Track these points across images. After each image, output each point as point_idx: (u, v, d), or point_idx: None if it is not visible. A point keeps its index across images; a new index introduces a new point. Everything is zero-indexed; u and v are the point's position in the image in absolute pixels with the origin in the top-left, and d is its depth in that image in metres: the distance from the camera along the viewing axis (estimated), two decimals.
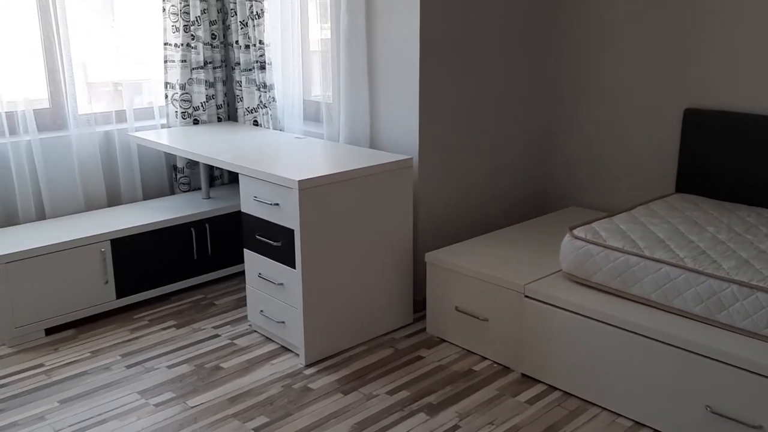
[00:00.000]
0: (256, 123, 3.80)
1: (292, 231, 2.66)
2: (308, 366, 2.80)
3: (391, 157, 2.95)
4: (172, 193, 3.97)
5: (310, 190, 2.62)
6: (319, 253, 2.72)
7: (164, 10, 3.69)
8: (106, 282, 3.23)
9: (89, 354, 2.94)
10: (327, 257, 2.75)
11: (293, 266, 2.71)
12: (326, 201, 2.69)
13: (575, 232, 2.63)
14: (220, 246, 3.61)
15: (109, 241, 3.21)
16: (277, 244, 2.76)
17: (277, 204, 2.70)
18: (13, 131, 3.34)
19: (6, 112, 3.30)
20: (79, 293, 3.15)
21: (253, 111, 3.80)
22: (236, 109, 3.99)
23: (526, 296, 2.63)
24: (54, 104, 3.52)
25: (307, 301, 2.73)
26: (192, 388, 2.65)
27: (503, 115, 3.47)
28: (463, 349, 2.93)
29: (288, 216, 2.67)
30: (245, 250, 2.96)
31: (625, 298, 2.48)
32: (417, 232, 3.22)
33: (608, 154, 3.48)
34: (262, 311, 2.96)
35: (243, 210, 2.91)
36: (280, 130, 3.68)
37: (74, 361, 2.87)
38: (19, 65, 3.25)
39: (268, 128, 3.69)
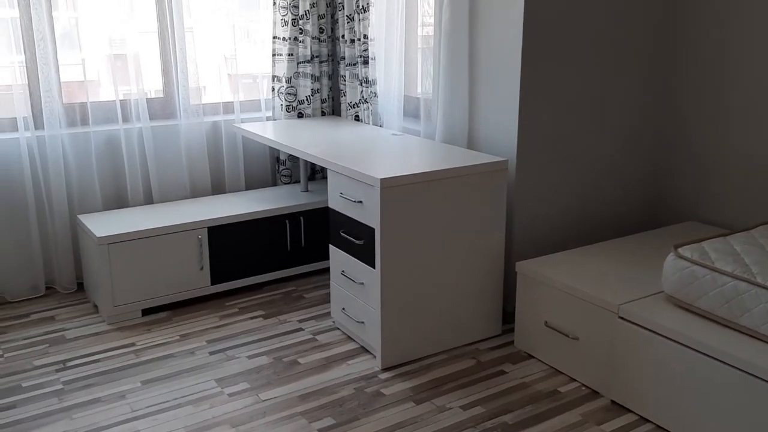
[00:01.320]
0: (357, 118, 3.76)
1: (373, 230, 2.59)
2: (384, 370, 2.72)
3: (484, 158, 2.80)
4: (275, 184, 4.02)
5: (393, 188, 2.54)
6: (400, 254, 2.63)
7: (274, 3, 3.73)
8: (202, 268, 3.31)
9: (178, 337, 3.02)
10: (409, 259, 2.66)
11: (373, 266, 2.64)
12: (410, 201, 2.60)
13: (680, 250, 2.38)
14: (313, 239, 3.61)
15: (206, 229, 3.29)
16: (360, 242, 2.70)
17: (361, 201, 2.64)
18: (126, 119, 3.50)
19: (120, 101, 3.46)
20: (175, 277, 3.25)
21: (355, 106, 3.76)
22: (340, 103, 3.98)
23: (620, 317, 2.41)
24: (166, 94, 3.66)
25: (385, 303, 2.65)
26: (267, 381, 2.65)
27: (614, 117, 3.22)
28: (551, 367, 2.74)
29: (370, 214, 2.60)
30: (330, 245, 2.93)
31: (732, 329, 2.20)
32: (511, 239, 3.05)
33: (735, 165, 3.14)
34: (343, 309, 2.92)
35: (330, 205, 2.87)
36: (380, 126, 3.62)
37: (163, 343, 2.96)
38: (135, 56, 3.40)
39: (368, 124, 3.64)
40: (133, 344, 2.96)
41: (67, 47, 3.40)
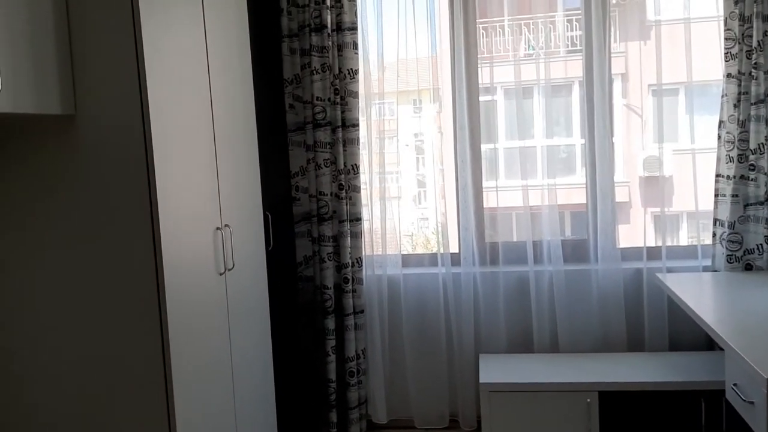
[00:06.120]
0: None
1: None
2: None
3: None
4: (710, 348, 3.31)
5: None
6: None
7: (719, 137, 3.19)
8: None
9: None
10: None
11: None
12: None
13: None
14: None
15: (596, 393, 2.88)
16: None
17: (752, 402, 1.93)
18: (537, 260, 3.39)
19: (534, 241, 3.38)
20: None
21: None
22: None
23: None
24: (588, 236, 3.43)
25: None
26: None
27: None
28: None
29: (759, 421, 1.87)
30: None
31: None
32: None
33: None
34: None
35: (726, 396, 2.19)
36: None
37: None
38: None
39: None
40: None
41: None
